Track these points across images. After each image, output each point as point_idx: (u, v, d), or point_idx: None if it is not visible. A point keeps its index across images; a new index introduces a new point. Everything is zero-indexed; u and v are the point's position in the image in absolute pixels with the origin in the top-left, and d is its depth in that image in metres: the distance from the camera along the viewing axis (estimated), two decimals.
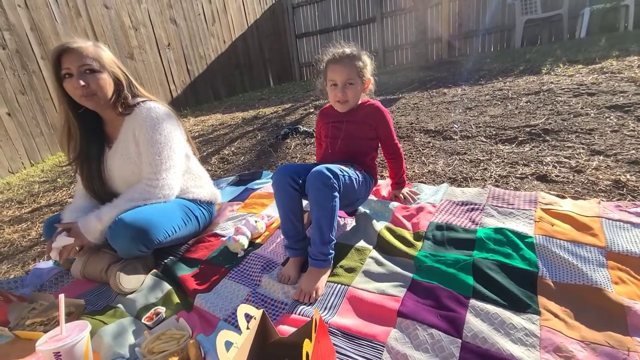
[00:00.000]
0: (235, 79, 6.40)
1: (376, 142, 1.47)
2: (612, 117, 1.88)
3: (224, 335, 0.61)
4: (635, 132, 1.66)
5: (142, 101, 1.39)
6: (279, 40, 7.19)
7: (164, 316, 1.10)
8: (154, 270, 1.34)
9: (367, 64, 1.37)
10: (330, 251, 1.16)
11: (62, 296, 0.88)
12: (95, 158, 1.43)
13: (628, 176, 1.36)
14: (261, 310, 0.71)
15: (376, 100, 1.46)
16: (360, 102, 1.43)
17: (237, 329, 0.97)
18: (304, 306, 1.04)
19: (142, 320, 1.08)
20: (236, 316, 0.68)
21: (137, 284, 1.26)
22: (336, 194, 1.15)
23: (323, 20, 6.79)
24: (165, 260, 1.40)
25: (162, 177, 1.37)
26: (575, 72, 2.85)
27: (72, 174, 1.44)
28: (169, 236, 1.38)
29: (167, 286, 1.24)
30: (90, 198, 1.46)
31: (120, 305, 1.18)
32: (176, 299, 1.18)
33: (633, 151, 1.51)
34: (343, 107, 1.39)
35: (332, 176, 1.14)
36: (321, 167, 1.16)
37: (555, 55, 3.65)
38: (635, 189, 1.29)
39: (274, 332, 0.73)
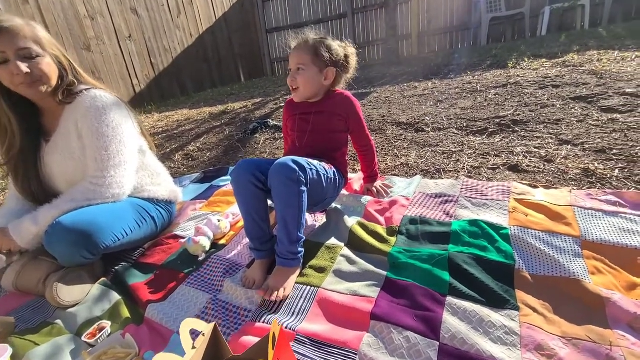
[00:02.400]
0: (204, 74, 6.13)
1: (346, 135, 1.39)
2: (577, 108, 1.91)
3: (162, 359, 0.50)
4: (600, 122, 1.69)
5: (86, 89, 1.23)
6: (249, 34, 6.97)
7: (109, 332, 0.96)
8: (103, 279, 1.19)
9: (335, 54, 1.25)
10: (300, 249, 1.07)
11: None
12: (31, 154, 1.25)
13: (596, 164, 1.36)
14: (212, 324, 0.61)
15: (347, 91, 1.38)
16: (330, 91, 1.34)
17: None
18: (269, 314, 0.94)
19: (83, 338, 0.93)
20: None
21: (80, 296, 1.11)
22: (303, 188, 1.05)
23: (294, 15, 6.66)
24: (116, 267, 1.25)
25: (109, 175, 1.21)
26: (539, 65, 2.92)
27: (4, 175, 1.25)
28: (119, 240, 1.23)
29: (116, 296, 1.10)
30: (25, 202, 1.28)
31: (58, 321, 1.02)
32: (125, 312, 1.04)
33: (599, 140, 1.53)
34: (295, 96, 1.30)
35: (297, 169, 1.03)
36: (286, 158, 1.05)
37: (520, 50, 3.74)
38: (604, 176, 1.29)
39: (227, 350, 0.63)
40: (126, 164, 1.25)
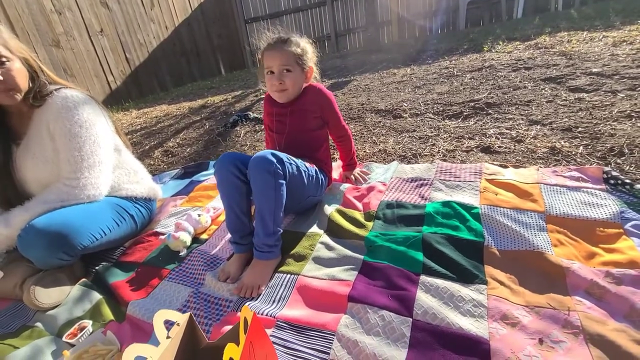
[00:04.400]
0: (182, 68, 5.99)
1: (325, 131, 1.38)
2: (546, 89, 1.96)
3: (134, 349, 0.51)
4: (567, 102, 1.75)
5: (56, 89, 1.19)
6: (227, 25, 6.82)
7: (90, 331, 0.96)
8: (83, 280, 1.19)
9: (308, 51, 1.25)
10: (276, 243, 1.08)
11: None
12: (2, 160, 1.21)
13: (562, 142, 1.42)
14: (187, 314, 0.62)
15: (318, 83, 1.37)
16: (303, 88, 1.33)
17: None
18: (251, 302, 0.96)
19: (63, 339, 0.93)
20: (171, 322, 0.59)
21: (59, 298, 1.10)
22: (282, 181, 1.05)
23: (272, 4, 6.52)
24: (97, 267, 1.25)
25: (83, 176, 1.19)
26: (513, 48, 2.97)
27: None
28: (97, 240, 1.22)
29: (97, 296, 1.10)
30: None
31: (38, 324, 1.02)
32: (107, 310, 1.04)
33: (566, 119, 1.59)
34: (282, 97, 1.26)
35: (275, 161, 1.03)
36: (265, 152, 1.05)
37: (495, 34, 3.79)
38: (569, 154, 1.34)
39: (203, 339, 0.65)
40: (101, 164, 1.23)
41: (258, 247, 1.06)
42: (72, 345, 0.92)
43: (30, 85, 1.15)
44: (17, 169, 1.22)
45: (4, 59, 1.06)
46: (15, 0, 3.90)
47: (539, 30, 3.38)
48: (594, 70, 2.03)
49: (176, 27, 5.85)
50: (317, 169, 1.29)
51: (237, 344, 0.51)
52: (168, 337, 0.57)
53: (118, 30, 4.99)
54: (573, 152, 1.34)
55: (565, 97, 1.81)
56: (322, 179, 1.31)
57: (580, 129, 1.48)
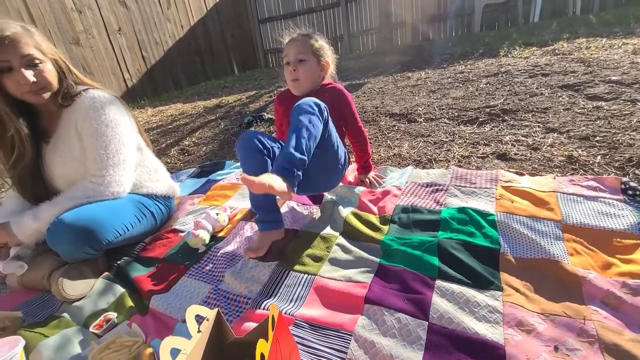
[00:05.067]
0: (197, 67, 6.08)
1: (341, 129, 1.42)
2: (564, 96, 1.95)
3: (170, 342, 0.55)
4: (585, 110, 1.74)
5: (84, 90, 1.24)
6: (241, 25, 6.89)
7: (115, 322, 1.01)
8: (106, 273, 1.23)
9: (325, 46, 1.31)
10: (299, 160, 0.98)
11: None
12: (34, 157, 1.26)
13: (580, 151, 1.42)
14: (215, 310, 0.65)
15: (338, 83, 1.41)
16: (321, 84, 1.37)
17: None
18: (269, 300, 0.99)
19: (90, 329, 0.98)
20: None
21: (85, 290, 1.15)
22: (322, 115, 1.08)
23: (287, 5, 6.57)
24: (119, 262, 1.29)
25: (108, 174, 1.24)
26: (530, 54, 2.95)
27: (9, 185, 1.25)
28: (120, 235, 1.26)
29: (119, 289, 1.14)
30: (24, 202, 1.29)
31: (65, 315, 1.07)
32: (130, 303, 1.09)
33: (583, 127, 1.58)
34: (295, 87, 1.31)
35: (316, 107, 1.07)
36: (307, 99, 1.09)
37: (512, 38, 3.76)
38: (586, 163, 1.34)
39: (230, 333, 0.68)
40: (125, 163, 1.28)
41: (279, 165, 0.98)
42: (99, 336, 0.96)
43: (58, 85, 1.20)
44: (46, 166, 1.28)
45: (37, 61, 1.11)
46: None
47: (556, 36, 3.35)
48: (613, 78, 2.01)
49: (192, 26, 5.94)
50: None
51: (266, 339, 0.54)
52: (199, 331, 0.60)
53: (135, 29, 5.10)
54: (590, 162, 1.34)
55: (583, 105, 1.79)
56: (344, 157, 1.32)
57: (598, 138, 1.47)
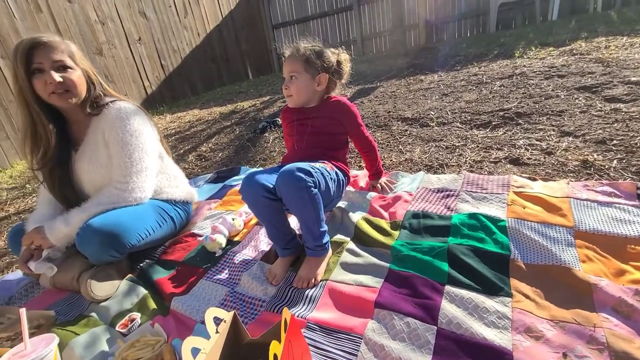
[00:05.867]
0: (212, 73, 6.23)
1: (345, 137, 1.43)
2: (580, 98, 1.92)
3: (191, 342, 0.59)
4: (602, 112, 1.71)
5: (112, 101, 1.33)
6: (255, 31, 7.02)
7: (139, 322, 1.07)
8: (129, 275, 1.30)
9: (325, 61, 1.30)
10: (324, 240, 1.14)
11: (23, 310, 0.84)
12: (64, 162, 1.36)
13: (595, 156, 1.40)
14: (232, 312, 0.70)
15: (341, 96, 1.43)
16: (325, 97, 1.40)
17: None
18: (283, 304, 1.03)
19: (116, 328, 1.05)
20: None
21: (111, 291, 1.22)
22: (314, 191, 1.07)
23: (300, 10, 6.66)
24: (141, 264, 1.37)
25: (132, 180, 1.32)
26: (546, 54, 2.90)
27: (40, 181, 1.35)
28: (143, 239, 1.34)
29: (142, 291, 1.21)
30: (55, 205, 1.39)
31: (93, 314, 1.14)
32: (152, 304, 1.15)
33: (600, 131, 1.55)
34: (290, 101, 1.38)
35: (304, 175, 1.04)
36: (289, 167, 1.06)
37: (528, 38, 3.70)
38: (602, 168, 1.32)
39: (246, 334, 0.72)
40: (147, 170, 1.35)
41: (311, 248, 1.13)
42: (124, 335, 1.03)
43: (86, 94, 1.28)
44: (75, 172, 1.37)
45: (67, 67, 1.20)
46: (65, 12, 4.23)
47: (574, 35, 3.27)
48: (633, 79, 1.96)
49: (208, 33, 6.10)
50: (336, 170, 1.33)
51: (279, 341, 0.58)
52: (217, 332, 0.64)
53: (154, 38, 5.28)
54: (606, 166, 1.32)
55: (600, 107, 1.76)
56: (342, 179, 1.37)
57: (615, 141, 1.45)
